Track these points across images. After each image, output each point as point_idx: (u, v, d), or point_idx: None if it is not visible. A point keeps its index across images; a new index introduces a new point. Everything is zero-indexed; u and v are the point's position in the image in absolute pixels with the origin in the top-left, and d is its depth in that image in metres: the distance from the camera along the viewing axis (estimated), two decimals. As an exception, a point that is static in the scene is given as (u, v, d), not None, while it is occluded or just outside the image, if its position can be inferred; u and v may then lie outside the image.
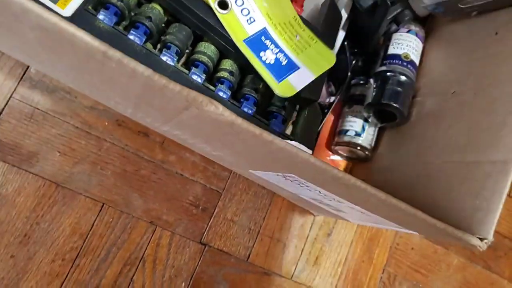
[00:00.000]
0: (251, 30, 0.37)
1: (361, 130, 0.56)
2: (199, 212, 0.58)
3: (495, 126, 0.42)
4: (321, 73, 0.38)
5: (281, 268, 0.62)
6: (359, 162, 0.60)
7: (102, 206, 0.53)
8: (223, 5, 0.36)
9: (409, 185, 0.49)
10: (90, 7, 0.33)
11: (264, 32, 0.37)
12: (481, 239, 0.35)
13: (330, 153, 0.61)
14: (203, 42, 0.39)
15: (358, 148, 0.56)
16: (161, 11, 0.37)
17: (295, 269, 0.63)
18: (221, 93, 0.37)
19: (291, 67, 0.37)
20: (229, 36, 0.35)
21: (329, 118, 0.61)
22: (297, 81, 0.37)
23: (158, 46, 0.37)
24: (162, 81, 0.26)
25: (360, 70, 0.60)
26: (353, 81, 0.59)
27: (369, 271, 0.67)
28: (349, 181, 0.32)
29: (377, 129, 0.58)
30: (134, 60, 0.24)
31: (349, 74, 0.59)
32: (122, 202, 0.54)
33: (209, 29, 0.37)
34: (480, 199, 0.38)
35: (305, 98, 0.41)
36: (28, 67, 0.51)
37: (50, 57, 0.38)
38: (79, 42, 0.25)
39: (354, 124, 0.57)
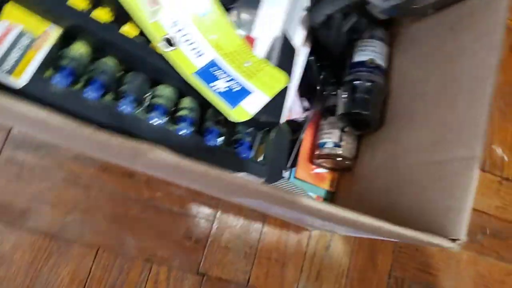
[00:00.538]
0: (200, 62, 0.38)
1: (339, 140, 0.57)
2: (192, 244, 0.59)
3: (458, 122, 0.42)
4: (274, 94, 0.39)
5: (283, 288, 0.62)
6: (344, 172, 0.60)
7: (97, 251, 0.55)
8: (169, 43, 0.37)
9: (389, 189, 0.49)
10: (45, 72, 0.35)
11: (213, 63, 0.39)
12: (454, 240, 0.35)
13: (314, 166, 0.61)
14: (160, 85, 0.40)
15: (339, 159, 0.57)
16: (115, 64, 0.39)
17: (297, 287, 0.63)
18: (183, 131, 0.39)
19: (244, 92, 0.38)
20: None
21: (310, 132, 0.62)
22: (251, 105, 0.38)
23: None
24: (103, 136, 0.27)
25: (332, 81, 0.61)
26: (325, 93, 0.60)
27: (374, 279, 0.67)
28: (301, 202, 0.32)
29: (356, 137, 0.58)
30: (74, 122, 0.26)
31: (318, 87, 0.59)
32: (116, 244, 0.56)
33: (162, 72, 0.38)
34: (451, 199, 0.38)
35: (266, 122, 0.43)
36: (11, 128, 0.54)
37: (20, 124, 0.40)
38: (25, 115, 0.27)
39: (331, 135, 0.58)
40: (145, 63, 0.38)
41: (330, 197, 0.61)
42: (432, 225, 0.38)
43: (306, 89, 0.60)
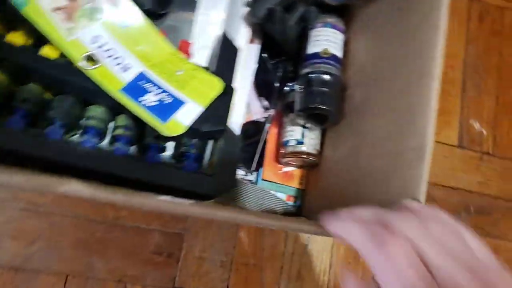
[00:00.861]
0: (127, 77, 0.36)
1: (301, 137, 0.55)
2: (164, 259, 0.57)
3: (410, 109, 0.40)
4: (209, 102, 0.37)
5: (264, 292, 0.61)
6: (311, 168, 0.59)
7: (66, 278, 0.54)
8: (91, 60, 0.35)
9: (352, 182, 0.47)
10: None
11: (141, 76, 0.37)
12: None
13: (281, 166, 0.59)
14: (91, 106, 0.38)
15: (304, 156, 0.55)
16: (39, 89, 0.37)
17: (279, 289, 0.61)
18: (119, 152, 0.37)
19: (176, 104, 0.36)
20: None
21: (275, 131, 0.60)
22: (185, 117, 0.36)
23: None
24: (4, 178, 0.25)
25: (290, 77, 0.59)
26: (285, 89, 0.58)
27: (358, 271, 0.65)
28: (215, 214, 0.30)
29: (319, 132, 0.57)
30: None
31: (276, 84, 0.58)
32: (85, 269, 0.54)
33: (90, 92, 0.37)
34: (407, 190, 0.36)
35: (211, 131, 0.41)
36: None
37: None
38: None
39: (293, 133, 0.56)
40: (71, 84, 0.36)
41: (301, 195, 0.60)
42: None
43: (264, 88, 0.58)
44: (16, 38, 0.35)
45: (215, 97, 0.38)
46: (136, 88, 0.36)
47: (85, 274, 0.54)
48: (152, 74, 0.37)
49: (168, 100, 0.36)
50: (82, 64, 0.35)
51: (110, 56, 0.36)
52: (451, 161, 0.75)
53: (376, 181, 0.42)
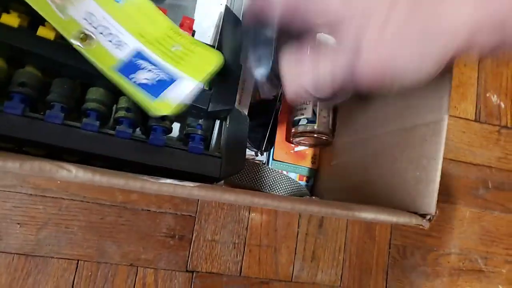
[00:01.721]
0: (122, 54, 0.34)
1: (312, 116, 0.53)
2: (176, 242, 0.57)
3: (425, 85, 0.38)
4: (206, 77, 0.35)
5: (278, 273, 0.60)
6: (324, 147, 0.57)
7: (77, 263, 0.53)
8: (85, 38, 0.34)
9: (364, 162, 0.45)
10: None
11: (138, 53, 0.35)
12: (423, 216, 0.32)
13: (294, 145, 0.58)
14: (91, 88, 0.37)
15: (315, 135, 0.53)
16: (36, 72, 0.35)
17: (293, 269, 0.60)
18: (122, 134, 0.36)
19: (168, 80, 0.34)
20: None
21: (286, 110, 0.58)
22: (176, 94, 0.34)
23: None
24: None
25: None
26: (295, 66, 0.56)
27: (374, 250, 0.64)
28: (219, 197, 0.29)
29: (331, 109, 0.54)
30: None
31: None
32: (96, 253, 0.54)
33: (89, 73, 0.35)
34: (419, 169, 0.34)
35: (217, 111, 0.39)
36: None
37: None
38: None
39: (305, 111, 0.54)
40: (70, 66, 0.35)
41: (314, 174, 0.58)
42: (403, 199, 0.35)
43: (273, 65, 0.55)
44: (11, 19, 0.34)
45: (214, 71, 0.36)
46: (130, 65, 0.34)
47: (97, 259, 0.54)
48: (148, 51, 0.35)
49: (160, 76, 0.34)
50: (75, 41, 0.33)
51: (105, 33, 0.34)
52: (468, 135, 0.73)
53: (390, 158, 0.40)
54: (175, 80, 0.34)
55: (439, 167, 0.32)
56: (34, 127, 0.34)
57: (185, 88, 0.34)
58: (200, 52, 0.37)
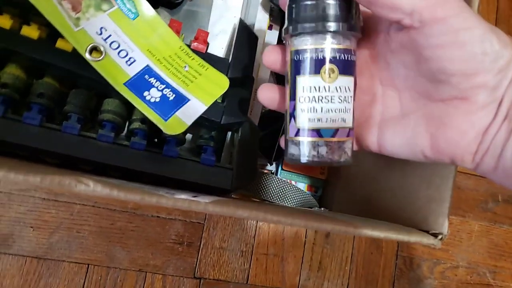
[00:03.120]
0: (132, 71, 0.35)
1: (322, 126, 0.53)
2: (185, 248, 0.57)
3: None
4: (212, 101, 0.36)
5: (285, 282, 0.60)
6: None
7: (88, 267, 0.54)
8: (96, 52, 0.34)
9: (373, 174, 0.46)
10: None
11: (147, 70, 0.36)
12: (436, 235, 0.32)
13: (302, 155, 0.58)
14: (107, 99, 0.38)
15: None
16: (54, 83, 0.36)
17: (300, 279, 0.61)
18: (136, 146, 0.36)
19: (180, 101, 0.35)
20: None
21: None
22: (187, 115, 0.35)
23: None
24: (19, 177, 0.25)
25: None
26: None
27: (380, 261, 0.64)
28: (233, 213, 0.29)
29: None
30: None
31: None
32: (106, 258, 0.55)
33: (104, 85, 0.36)
34: (432, 188, 0.35)
35: (231, 123, 0.40)
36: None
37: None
38: None
39: (314, 122, 0.54)
40: (87, 78, 0.36)
41: (322, 185, 0.58)
42: (414, 216, 0.35)
43: (283, 76, 0.56)
44: (31, 31, 0.35)
45: (220, 95, 0.37)
46: (141, 82, 0.35)
47: (107, 263, 0.54)
48: (157, 69, 0.36)
49: (172, 96, 0.35)
50: (87, 55, 0.34)
51: (116, 48, 0.35)
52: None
53: (401, 173, 0.40)
54: (187, 101, 0.35)
55: (451, 186, 0.33)
56: (51, 138, 0.34)
57: (196, 110, 0.35)
58: (208, 75, 0.37)
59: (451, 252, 0.67)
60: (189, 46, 0.39)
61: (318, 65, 0.28)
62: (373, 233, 0.31)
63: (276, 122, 0.57)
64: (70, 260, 0.54)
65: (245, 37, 0.43)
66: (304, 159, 0.29)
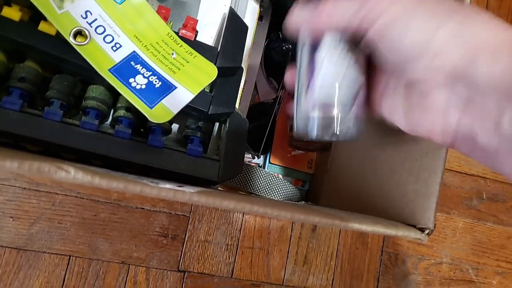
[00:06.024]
0: (118, 56, 0.34)
1: (311, 120, 0.53)
2: (169, 241, 0.56)
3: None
4: (200, 90, 0.35)
5: (270, 276, 0.60)
6: (322, 151, 0.57)
7: (69, 258, 0.53)
8: (80, 36, 0.33)
9: (362, 169, 0.45)
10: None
11: (133, 56, 0.35)
12: (422, 230, 0.32)
13: (291, 149, 0.57)
14: (91, 85, 0.36)
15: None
16: (36, 67, 0.35)
17: (285, 273, 0.60)
18: (121, 134, 0.35)
19: (166, 89, 0.34)
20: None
21: (284, 113, 0.58)
22: (173, 103, 0.34)
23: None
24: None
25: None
26: (295, 70, 0.56)
27: (366, 257, 0.64)
28: (219, 204, 0.28)
29: (330, 114, 0.54)
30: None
31: (285, 64, 0.55)
32: (88, 250, 0.54)
33: (89, 71, 0.35)
34: (419, 182, 0.35)
35: (218, 114, 0.39)
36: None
37: None
38: None
39: (303, 115, 0.53)
40: (71, 63, 0.34)
41: (309, 179, 0.58)
42: (401, 210, 0.35)
43: (272, 68, 0.55)
44: (12, 13, 0.33)
45: (207, 84, 0.36)
46: (127, 68, 0.34)
47: (89, 255, 0.53)
48: (144, 55, 0.35)
49: (158, 84, 0.34)
50: (71, 39, 0.33)
51: (101, 33, 0.34)
52: (464, 146, 0.73)
53: (389, 168, 0.40)
54: (173, 89, 0.34)
55: (440, 181, 0.32)
56: (32, 124, 0.33)
57: (183, 99, 0.34)
58: (196, 63, 0.37)
59: (436, 248, 0.68)
60: (177, 33, 0.38)
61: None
62: (360, 226, 0.30)
63: (265, 115, 0.57)
64: (51, 252, 0.52)
65: (235, 26, 0.42)
66: (313, 134, 0.28)
